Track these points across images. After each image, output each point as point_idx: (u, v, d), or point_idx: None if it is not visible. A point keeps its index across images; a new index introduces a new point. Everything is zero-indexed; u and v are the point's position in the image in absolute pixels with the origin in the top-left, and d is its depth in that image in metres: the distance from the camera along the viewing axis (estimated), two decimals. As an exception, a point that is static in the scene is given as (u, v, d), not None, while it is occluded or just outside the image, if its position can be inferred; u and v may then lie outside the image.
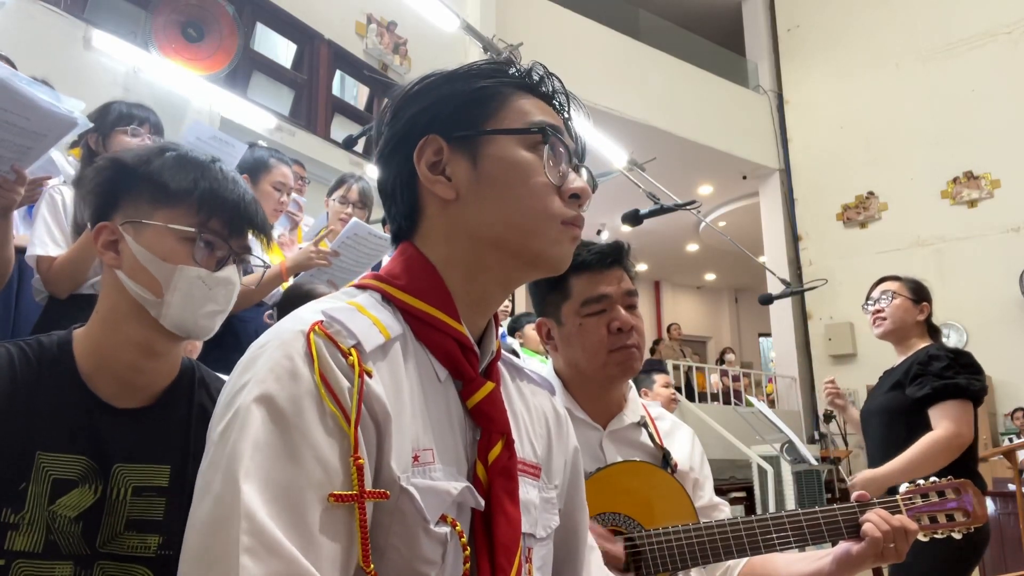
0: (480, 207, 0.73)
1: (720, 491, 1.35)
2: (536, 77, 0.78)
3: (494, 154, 0.73)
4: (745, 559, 1.22)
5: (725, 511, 1.32)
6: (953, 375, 2.18)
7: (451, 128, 0.74)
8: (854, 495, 1.18)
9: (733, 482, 6.63)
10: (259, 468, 0.58)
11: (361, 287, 0.76)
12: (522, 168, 0.73)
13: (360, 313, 0.69)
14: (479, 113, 0.74)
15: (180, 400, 0.98)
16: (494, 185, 0.73)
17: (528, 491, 0.79)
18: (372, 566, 0.60)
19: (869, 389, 2.89)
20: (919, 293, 2.42)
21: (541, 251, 0.74)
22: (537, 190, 0.73)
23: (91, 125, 1.99)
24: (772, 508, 5.54)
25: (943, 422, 2.15)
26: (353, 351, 0.64)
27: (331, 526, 0.59)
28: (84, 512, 0.88)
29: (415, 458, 0.66)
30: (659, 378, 4.09)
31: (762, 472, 5.85)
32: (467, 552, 0.68)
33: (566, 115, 0.80)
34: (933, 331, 2.41)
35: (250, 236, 1.01)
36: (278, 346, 0.64)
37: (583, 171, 0.79)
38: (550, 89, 0.79)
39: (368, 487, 0.62)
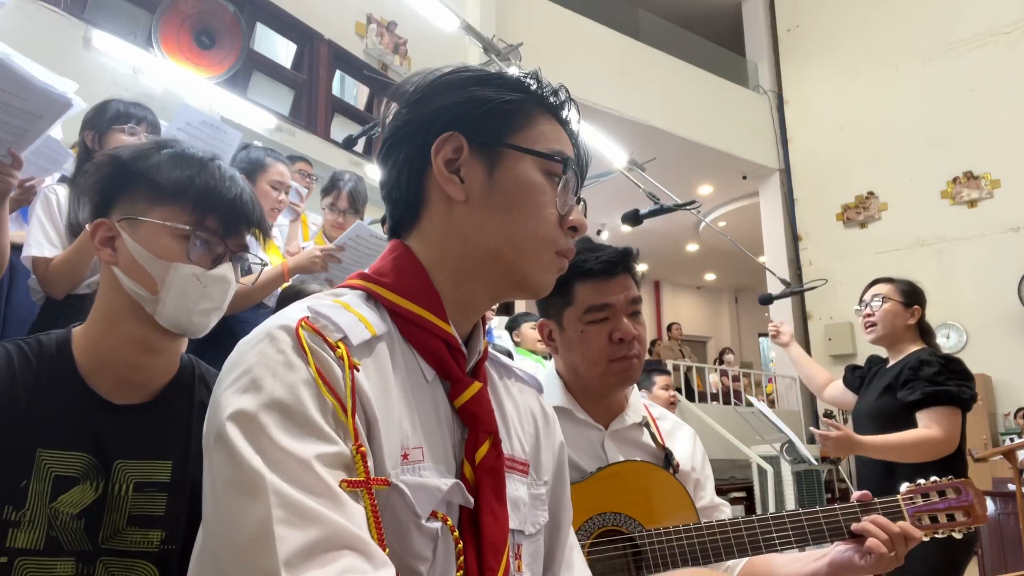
0: (486, 216, 0.74)
1: (720, 491, 1.36)
2: (561, 99, 0.79)
3: (513, 169, 0.74)
4: (745, 559, 1.22)
5: (726, 512, 1.32)
6: (944, 381, 2.18)
7: (476, 132, 0.74)
8: (855, 495, 1.18)
9: (733, 482, 6.63)
10: (272, 451, 0.58)
11: (348, 287, 0.76)
12: (536, 191, 0.74)
13: (345, 309, 0.69)
14: (505, 125, 0.75)
15: (180, 396, 0.99)
16: (506, 199, 0.74)
17: (517, 488, 0.80)
18: (388, 549, 0.60)
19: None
20: (910, 296, 2.39)
21: (530, 274, 0.75)
22: (543, 216, 0.75)
23: (85, 106, 1.98)
24: (772, 508, 5.54)
25: (932, 427, 2.15)
26: (341, 344, 0.65)
27: (352, 496, 0.60)
28: (86, 509, 0.89)
29: (404, 456, 0.66)
30: (659, 379, 4.02)
31: (762, 472, 5.86)
32: (460, 546, 0.68)
33: (575, 142, 0.81)
34: (926, 333, 2.39)
35: (247, 234, 1.01)
36: (269, 342, 0.64)
37: (581, 204, 0.81)
38: (567, 115, 0.80)
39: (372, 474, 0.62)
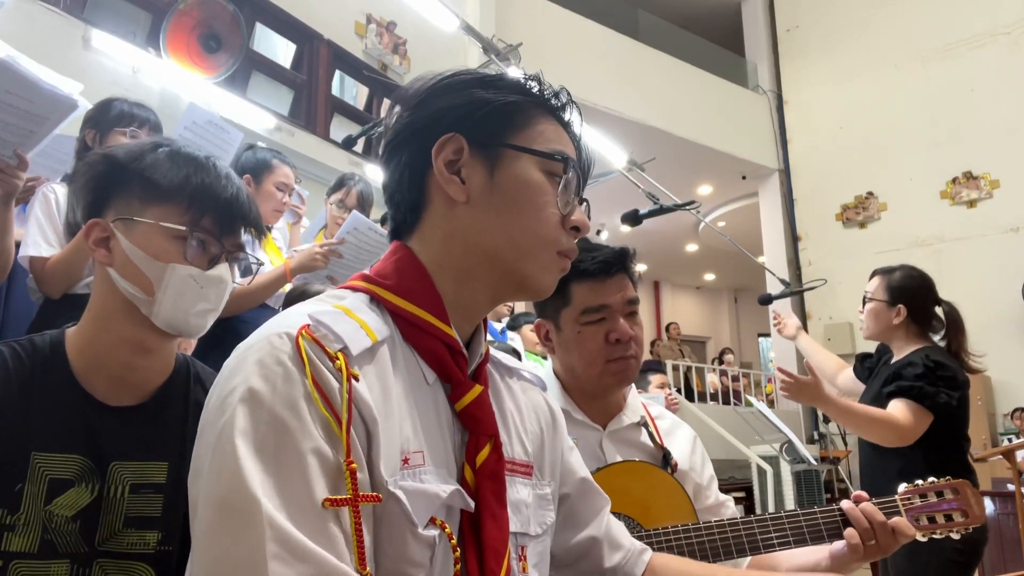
0: (487, 216, 0.74)
1: (720, 491, 1.36)
2: (562, 101, 0.80)
3: (513, 169, 0.74)
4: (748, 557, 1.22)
5: (731, 507, 1.32)
6: (920, 380, 2.10)
7: (476, 133, 0.75)
8: (852, 495, 1.18)
9: (733, 482, 6.63)
10: (269, 475, 0.58)
11: (351, 288, 0.76)
12: (537, 190, 0.75)
13: (347, 316, 0.68)
14: (506, 126, 0.75)
15: (175, 397, 0.98)
16: (506, 199, 0.74)
17: (520, 490, 0.80)
18: (368, 569, 0.60)
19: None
20: (895, 294, 2.30)
21: (530, 274, 0.75)
22: (545, 216, 0.75)
23: (90, 106, 1.98)
24: (771, 508, 5.54)
25: (898, 414, 2.08)
26: (340, 355, 0.64)
27: (341, 525, 0.60)
28: (81, 511, 0.88)
29: (405, 461, 0.66)
30: (654, 379, 3.98)
31: (761, 472, 5.85)
32: (457, 554, 0.68)
33: (577, 143, 0.81)
34: (927, 329, 2.31)
35: (244, 233, 1.01)
36: (269, 351, 0.63)
37: (584, 204, 0.81)
38: (569, 118, 0.81)
39: (367, 490, 0.62)
